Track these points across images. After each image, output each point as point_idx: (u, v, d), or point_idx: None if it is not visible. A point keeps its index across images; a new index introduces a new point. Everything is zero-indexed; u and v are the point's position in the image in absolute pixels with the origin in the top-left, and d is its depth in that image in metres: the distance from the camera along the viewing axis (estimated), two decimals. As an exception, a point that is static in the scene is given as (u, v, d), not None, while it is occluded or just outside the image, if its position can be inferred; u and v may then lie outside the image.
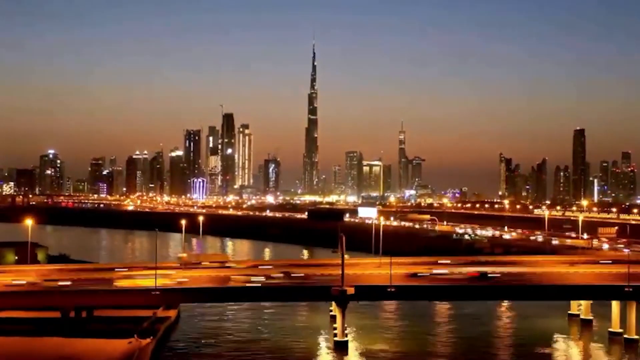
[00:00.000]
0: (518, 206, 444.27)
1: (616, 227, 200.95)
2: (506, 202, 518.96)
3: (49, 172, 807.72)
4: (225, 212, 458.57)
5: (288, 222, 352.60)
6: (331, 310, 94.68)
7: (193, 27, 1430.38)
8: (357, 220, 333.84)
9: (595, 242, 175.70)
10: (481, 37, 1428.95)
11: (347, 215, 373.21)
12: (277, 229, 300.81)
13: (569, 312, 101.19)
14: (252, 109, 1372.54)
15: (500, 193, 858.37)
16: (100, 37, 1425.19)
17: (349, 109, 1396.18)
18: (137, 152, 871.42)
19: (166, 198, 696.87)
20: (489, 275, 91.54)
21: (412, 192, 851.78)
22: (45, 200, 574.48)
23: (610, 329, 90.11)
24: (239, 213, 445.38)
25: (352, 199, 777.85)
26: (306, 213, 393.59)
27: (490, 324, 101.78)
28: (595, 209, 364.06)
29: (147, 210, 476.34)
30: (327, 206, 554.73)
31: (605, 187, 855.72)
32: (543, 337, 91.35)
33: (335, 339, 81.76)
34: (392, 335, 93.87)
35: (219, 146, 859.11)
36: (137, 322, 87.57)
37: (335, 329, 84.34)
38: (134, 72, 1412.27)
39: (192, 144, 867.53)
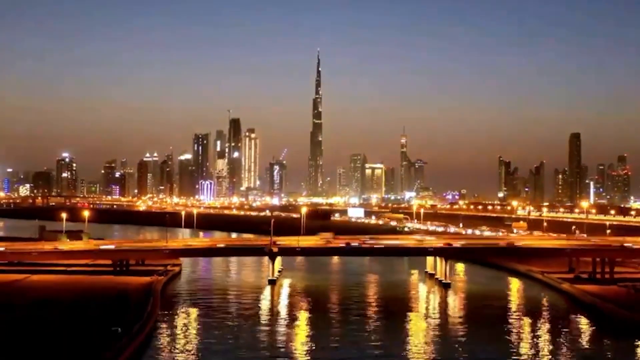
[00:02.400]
0: (509, 207, 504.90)
1: (526, 223, 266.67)
2: (496, 202, 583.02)
3: (65, 174, 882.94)
4: (228, 212, 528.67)
5: (283, 220, 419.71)
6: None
7: (203, 35, 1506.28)
8: (343, 219, 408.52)
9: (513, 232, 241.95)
10: (479, 43, 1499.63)
11: (338, 215, 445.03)
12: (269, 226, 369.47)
13: (425, 270, 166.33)
14: (258, 113, 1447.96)
15: (501, 195, 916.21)
16: (113, 45, 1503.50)
17: (353, 113, 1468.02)
18: (148, 155, 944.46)
19: (175, 199, 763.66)
20: (357, 244, 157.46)
21: (412, 194, 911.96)
22: (63, 202, 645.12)
23: (429, 272, 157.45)
24: (241, 213, 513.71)
25: (354, 200, 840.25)
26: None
27: (367, 274, 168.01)
28: (577, 210, 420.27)
29: (156, 209, 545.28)
30: (327, 207, 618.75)
31: (601, 190, 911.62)
32: (405, 282, 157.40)
33: (269, 277, 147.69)
34: (304, 278, 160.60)
35: (226, 150, 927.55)
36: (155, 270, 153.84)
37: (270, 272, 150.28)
38: (145, 79, 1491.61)
39: (200, 147, 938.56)
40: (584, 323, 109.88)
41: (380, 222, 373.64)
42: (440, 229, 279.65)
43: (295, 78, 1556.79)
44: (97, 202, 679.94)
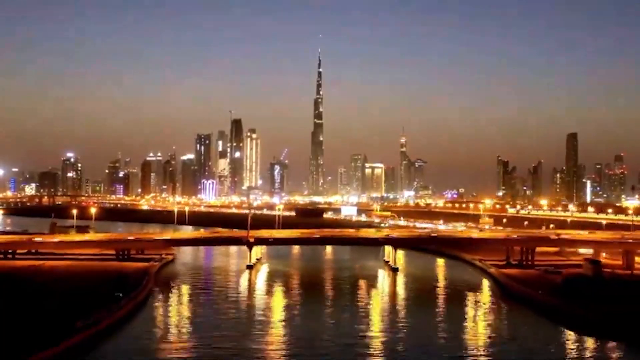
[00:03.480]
0: (498, 206, 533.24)
1: (492, 219, 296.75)
2: (487, 201, 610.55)
3: (70, 174, 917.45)
4: (226, 210, 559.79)
5: (272, 218, 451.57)
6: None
7: (205, 37, 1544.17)
8: (337, 216, 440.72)
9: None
10: (478, 44, 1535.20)
11: (331, 213, 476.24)
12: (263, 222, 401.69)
13: (384, 258, 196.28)
14: (260, 113, 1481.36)
15: (500, 194, 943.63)
16: (116, 47, 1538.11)
17: (354, 114, 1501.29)
18: (152, 155, 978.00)
19: (178, 198, 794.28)
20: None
21: (411, 193, 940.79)
22: (69, 200, 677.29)
23: (385, 260, 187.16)
24: (238, 211, 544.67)
25: (353, 199, 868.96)
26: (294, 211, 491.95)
27: (336, 262, 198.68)
28: (559, 208, 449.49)
29: (158, 208, 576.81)
30: (326, 205, 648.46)
31: (598, 189, 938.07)
32: (365, 267, 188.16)
33: (247, 263, 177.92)
34: (279, 264, 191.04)
35: (228, 150, 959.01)
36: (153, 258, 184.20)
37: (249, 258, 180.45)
38: (148, 80, 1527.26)
39: (203, 147, 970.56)
40: (489, 294, 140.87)
41: (365, 218, 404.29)
42: (412, 224, 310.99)
43: (296, 79, 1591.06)
44: (102, 201, 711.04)
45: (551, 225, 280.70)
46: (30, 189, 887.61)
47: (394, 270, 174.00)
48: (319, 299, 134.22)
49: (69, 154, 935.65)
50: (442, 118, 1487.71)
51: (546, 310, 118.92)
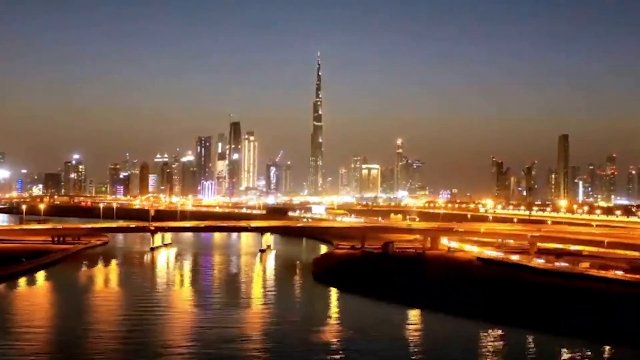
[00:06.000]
0: (472, 205, 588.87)
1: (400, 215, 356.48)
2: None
3: (72, 175, 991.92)
4: (221, 209, 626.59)
5: (253, 215, 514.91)
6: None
7: (205, 40, 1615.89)
8: (296, 215, 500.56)
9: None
10: (474, 47, 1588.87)
11: (301, 211, 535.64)
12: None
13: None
14: (260, 116, 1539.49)
15: (496, 194, 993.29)
16: (116, 49, 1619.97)
17: (352, 115, 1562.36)
18: (159, 156, 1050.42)
19: (175, 199, 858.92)
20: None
21: (405, 193, 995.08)
22: (68, 200, 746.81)
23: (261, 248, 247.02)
24: (226, 210, 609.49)
25: (348, 199, 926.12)
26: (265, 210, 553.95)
27: (230, 248, 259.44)
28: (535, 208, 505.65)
29: (147, 207, 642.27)
30: (300, 205, 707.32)
31: (590, 189, 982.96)
32: (246, 251, 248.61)
33: (151, 246, 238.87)
34: (180, 248, 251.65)
35: (227, 152, 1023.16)
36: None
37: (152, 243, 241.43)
38: (150, 83, 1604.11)
39: (203, 149, 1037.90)
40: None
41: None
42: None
43: (295, 81, 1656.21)
44: (99, 200, 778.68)
45: (469, 215, 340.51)
46: (37, 190, 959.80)
47: (261, 251, 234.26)
48: (201, 274, 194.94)
49: (76, 156, 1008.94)
50: (439, 120, 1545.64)
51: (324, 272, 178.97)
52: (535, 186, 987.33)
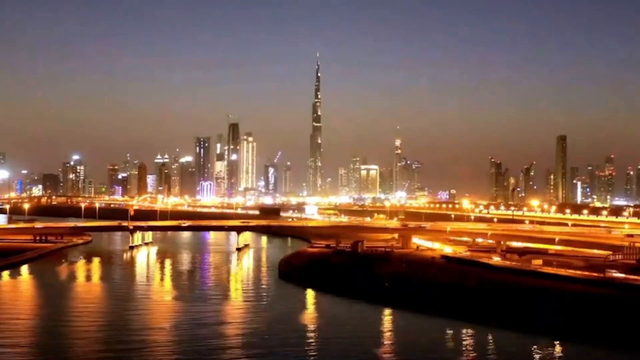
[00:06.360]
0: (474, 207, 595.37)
1: (385, 215, 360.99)
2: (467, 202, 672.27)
3: (70, 176, 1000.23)
4: (217, 210, 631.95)
5: (248, 216, 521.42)
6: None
7: (204, 41, 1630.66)
8: (289, 215, 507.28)
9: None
10: (473, 47, 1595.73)
11: (293, 212, 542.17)
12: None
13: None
14: (259, 117, 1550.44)
15: (495, 195, 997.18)
16: (116, 50, 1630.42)
17: (351, 117, 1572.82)
18: (159, 157, 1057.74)
19: (173, 199, 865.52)
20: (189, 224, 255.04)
21: (403, 194, 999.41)
22: (65, 201, 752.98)
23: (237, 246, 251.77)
24: (218, 210, 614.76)
25: (346, 199, 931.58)
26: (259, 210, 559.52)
27: (210, 246, 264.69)
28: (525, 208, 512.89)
29: (144, 208, 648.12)
30: (296, 206, 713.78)
31: (588, 190, 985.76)
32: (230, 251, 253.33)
33: (130, 245, 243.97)
34: (160, 247, 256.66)
35: (225, 152, 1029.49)
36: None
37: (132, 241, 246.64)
38: (149, 83, 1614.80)
39: (202, 150, 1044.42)
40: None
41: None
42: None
43: (294, 82, 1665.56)
44: (97, 201, 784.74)
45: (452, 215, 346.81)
46: (37, 190, 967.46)
47: (238, 249, 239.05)
48: (181, 271, 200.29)
49: (75, 157, 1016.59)
50: (437, 121, 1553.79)
51: (290, 269, 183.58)
52: (535, 187, 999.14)
